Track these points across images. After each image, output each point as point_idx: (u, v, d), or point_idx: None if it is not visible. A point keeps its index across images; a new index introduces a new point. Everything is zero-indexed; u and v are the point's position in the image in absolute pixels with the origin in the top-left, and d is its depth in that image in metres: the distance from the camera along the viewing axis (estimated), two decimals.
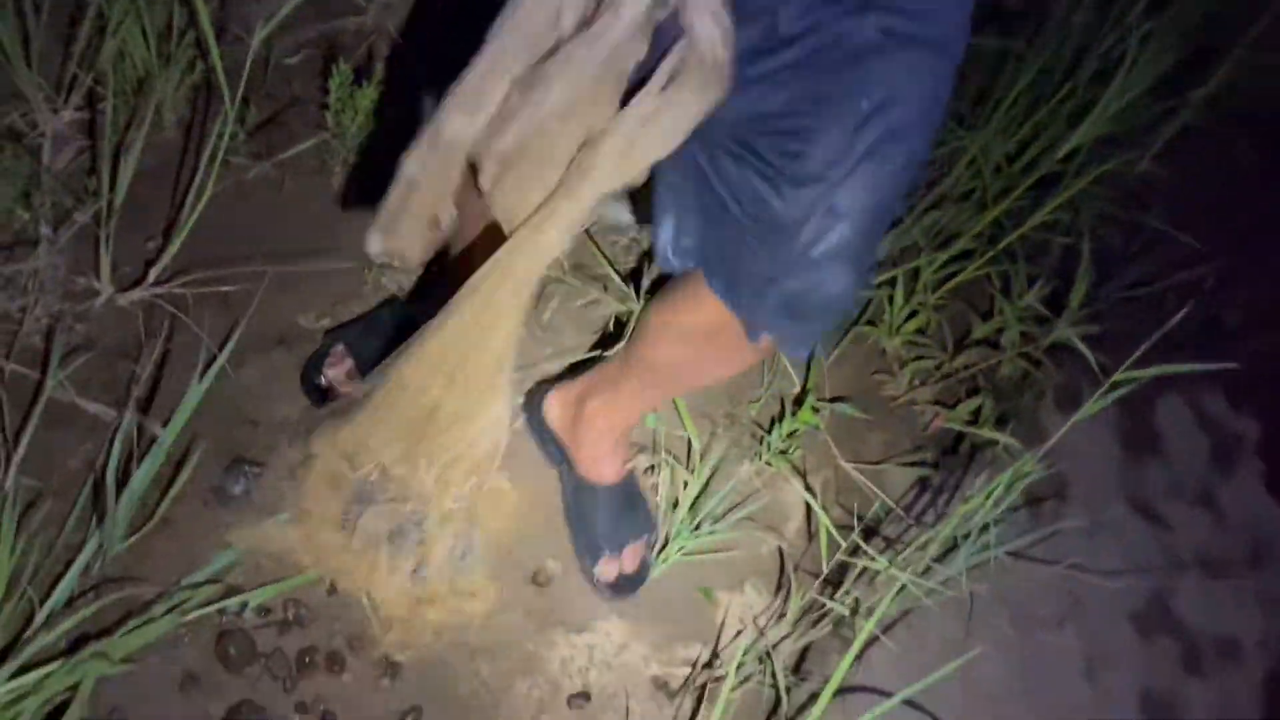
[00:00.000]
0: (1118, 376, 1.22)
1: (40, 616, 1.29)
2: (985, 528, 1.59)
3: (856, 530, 1.50)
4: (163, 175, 1.82)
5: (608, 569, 1.64)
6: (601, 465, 1.63)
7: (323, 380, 1.65)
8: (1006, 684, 1.82)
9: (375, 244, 1.15)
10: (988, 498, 1.40)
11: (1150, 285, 2.32)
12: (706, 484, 1.75)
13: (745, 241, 1.12)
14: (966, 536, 1.57)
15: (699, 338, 1.31)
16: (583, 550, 1.66)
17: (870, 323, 2.13)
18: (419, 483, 1.46)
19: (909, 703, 1.60)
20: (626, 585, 1.65)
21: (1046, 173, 2.08)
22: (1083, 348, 1.33)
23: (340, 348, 1.67)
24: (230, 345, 1.45)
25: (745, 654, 1.59)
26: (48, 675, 1.24)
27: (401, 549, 1.51)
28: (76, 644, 1.32)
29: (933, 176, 2.19)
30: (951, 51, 1.05)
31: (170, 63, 1.76)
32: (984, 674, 1.81)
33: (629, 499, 1.68)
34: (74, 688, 1.24)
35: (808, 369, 2.01)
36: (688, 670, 1.62)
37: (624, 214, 2.09)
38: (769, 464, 1.84)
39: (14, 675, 1.23)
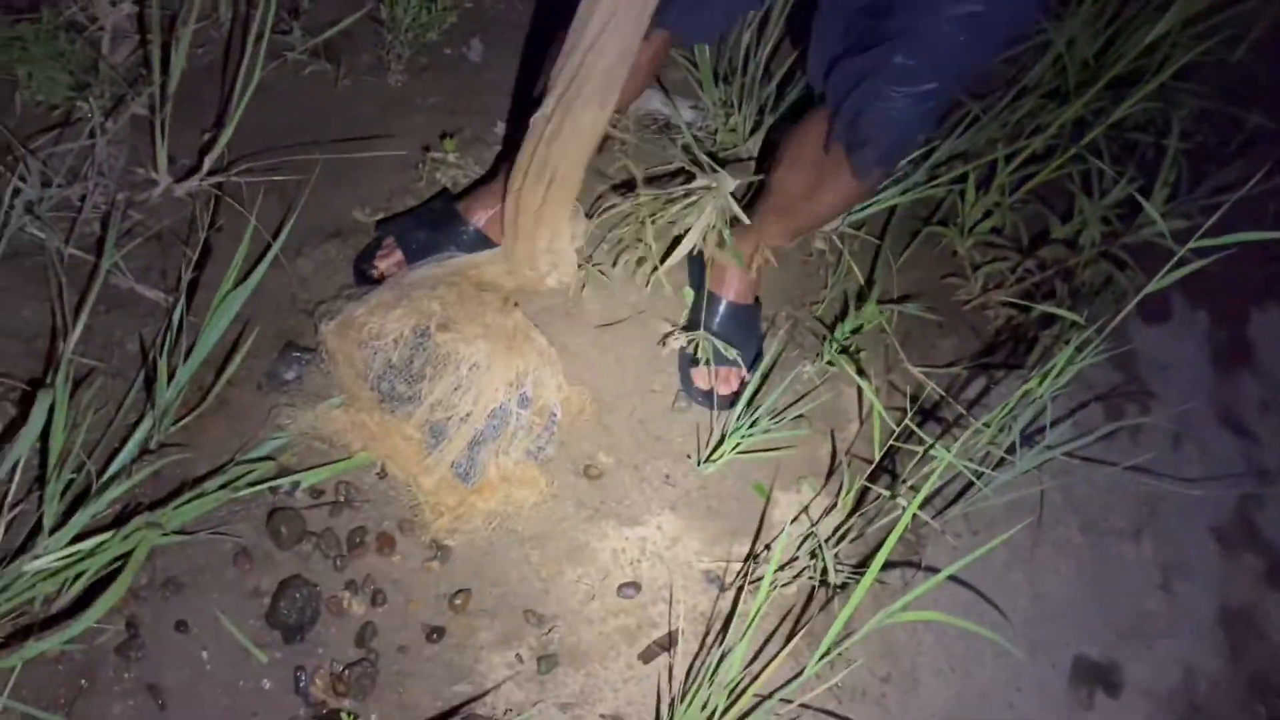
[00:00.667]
0: (1192, 245, 1.13)
1: (97, 485, 1.31)
2: (1052, 425, 1.52)
3: (910, 414, 1.44)
4: (216, 69, 1.82)
5: (703, 376, 1.70)
6: (732, 281, 1.71)
7: (374, 271, 1.64)
8: (1076, 592, 1.75)
9: None
10: (1044, 378, 1.32)
11: (1248, 185, 2.18)
12: (764, 380, 1.70)
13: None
14: (1029, 435, 1.50)
15: (812, 159, 1.48)
16: (687, 356, 1.74)
17: (942, 223, 2.04)
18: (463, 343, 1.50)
19: (974, 596, 1.57)
20: (717, 400, 1.69)
21: (1133, 67, 1.96)
22: (1163, 227, 1.23)
23: (391, 239, 1.66)
24: (284, 235, 1.45)
25: (799, 545, 1.56)
26: (103, 542, 1.26)
27: (442, 438, 1.51)
28: (132, 513, 1.35)
29: (1012, 73, 2.08)
30: None
31: None
32: (1053, 581, 1.75)
33: (748, 323, 1.74)
34: (128, 555, 1.27)
35: (873, 269, 1.94)
36: (740, 565, 1.59)
37: (687, 110, 2.03)
38: (830, 363, 1.79)
39: (72, 541, 1.26)
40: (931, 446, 1.36)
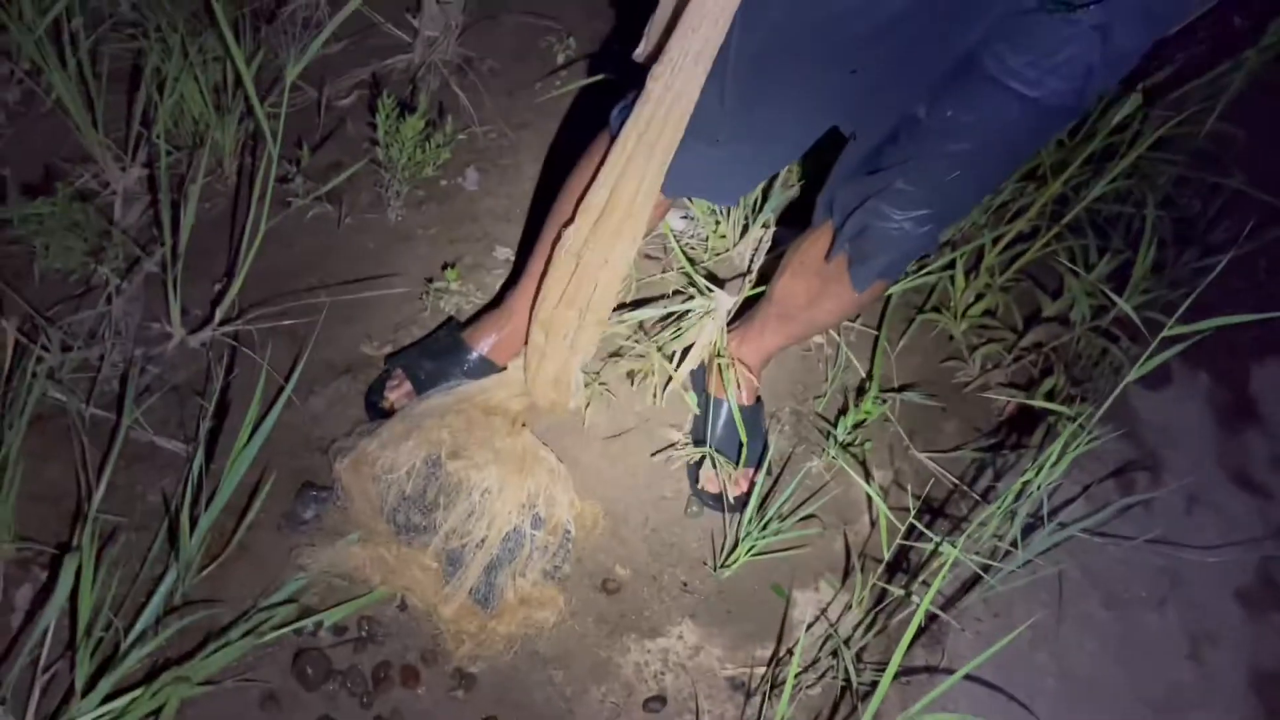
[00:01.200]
0: (1166, 333, 1.17)
1: (126, 644, 1.34)
2: (1068, 503, 1.53)
3: (912, 512, 1.46)
4: (225, 221, 1.90)
5: (713, 480, 1.73)
6: (737, 388, 1.74)
7: (385, 403, 1.69)
8: (1104, 668, 1.74)
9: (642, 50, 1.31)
10: (1043, 466, 1.35)
11: (1234, 248, 2.22)
12: (774, 480, 1.73)
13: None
14: (1047, 516, 1.52)
15: (814, 269, 1.53)
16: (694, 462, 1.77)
17: (935, 309, 2.08)
18: (475, 472, 1.54)
19: (999, 681, 1.57)
20: (728, 504, 1.73)
21: (1107, 144, 2.02)
22: (1134, 315, 1.28)
23: (400, 371, 1.71)
24: (295, 377, 1.50)
25: (821, 647, 1.57)
26: (134, 699, 1.29)
27: (459, 565, 1.54)
28: (160, 668, 1.38)
29: None
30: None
31: (225, 114, 1.84)
32: (1079, 659, 1.75)
33: (753, 424, 1.76)
34: (158, 711, 1.29)
35: (872, 360, 1.98)
36: (763, 669, 1.59)
37: (677, 220, 2.10)
38: (835, 458, 1.81)
39: (104, 700, 1.28)
40: (939, 544, 1.37)
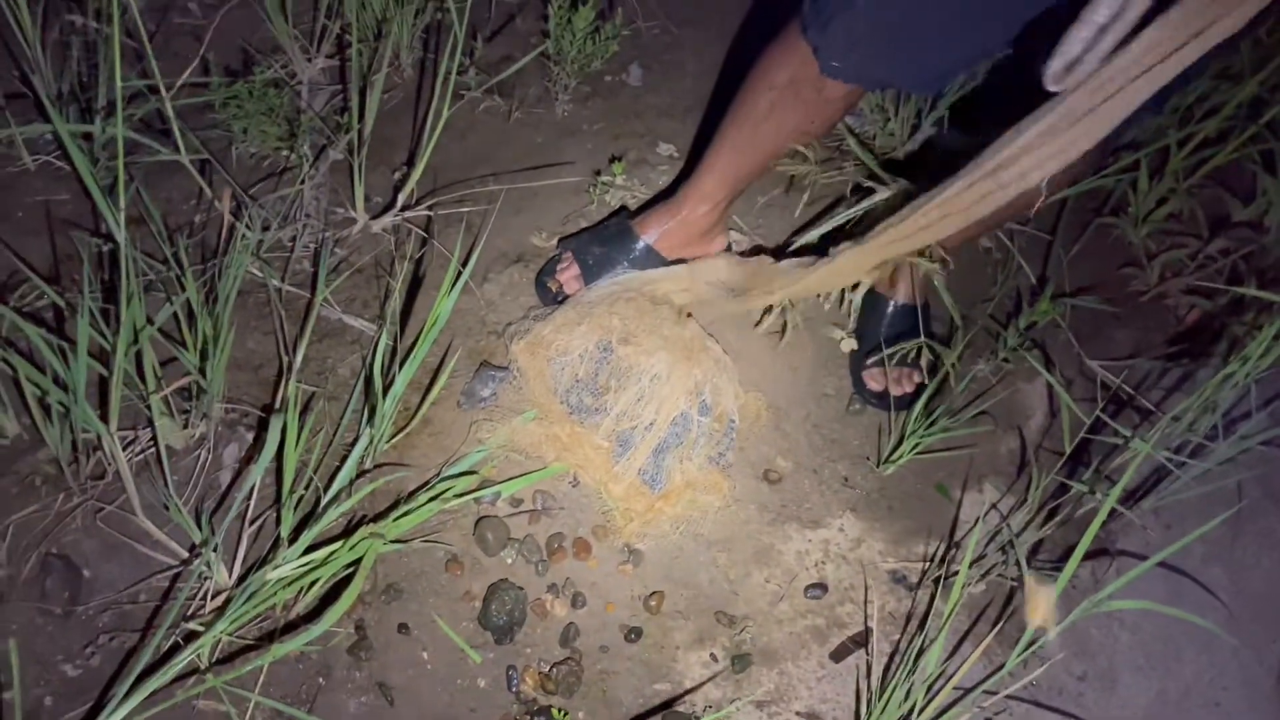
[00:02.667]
0: None
1: (325, 500, 1.43)
2: (1248, 415, 1.47)
3: (1100, 406, 1.42)
4: (404, 111, 1.96)
5: (875, 378, 1.74)
6: (901, 283, 1.74)
7: (553, 283, 1.73)
8: (1279, 586, 1.69)
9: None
10: (1245, 362, 1.29)
11: None
12: (942, 381, 1.71)
13: None
14: (1228, 424, 1.46)
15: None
16: (858, 359, 1.78)
17: (1114, 213, 2.00)
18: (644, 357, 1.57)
19: (1172, 585, 1.53)
20: (893, 402, 1.72)
21: None
22: None
23: (569, 254, 1.75)
24: (472, 264, 1.55)
25: (988, 543, 1.56)
26: (334, 552, 1.38)
27: (628, 446, 1.58)
28: (354, 526, 1.47)
29: None
30: None
31: (404, 5, 1.88)
32: (1254, 576, 1.69)
33: (918, 324, 1.74)
34: (354, 564, 1.38)
35: (1045, 265, 1.92)
36: (925, 564, 1.60)
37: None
38: (1005, 361, 1.78)
39: (306, 551, 1.38)
40: (1131, 439, 1.34)
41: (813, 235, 1.72)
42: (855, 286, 1.84)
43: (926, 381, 1.69)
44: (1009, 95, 1.50)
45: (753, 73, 1.51)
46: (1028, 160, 1.20)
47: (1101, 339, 1.91)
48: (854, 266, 1.52)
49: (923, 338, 1.71)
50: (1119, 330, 1.93)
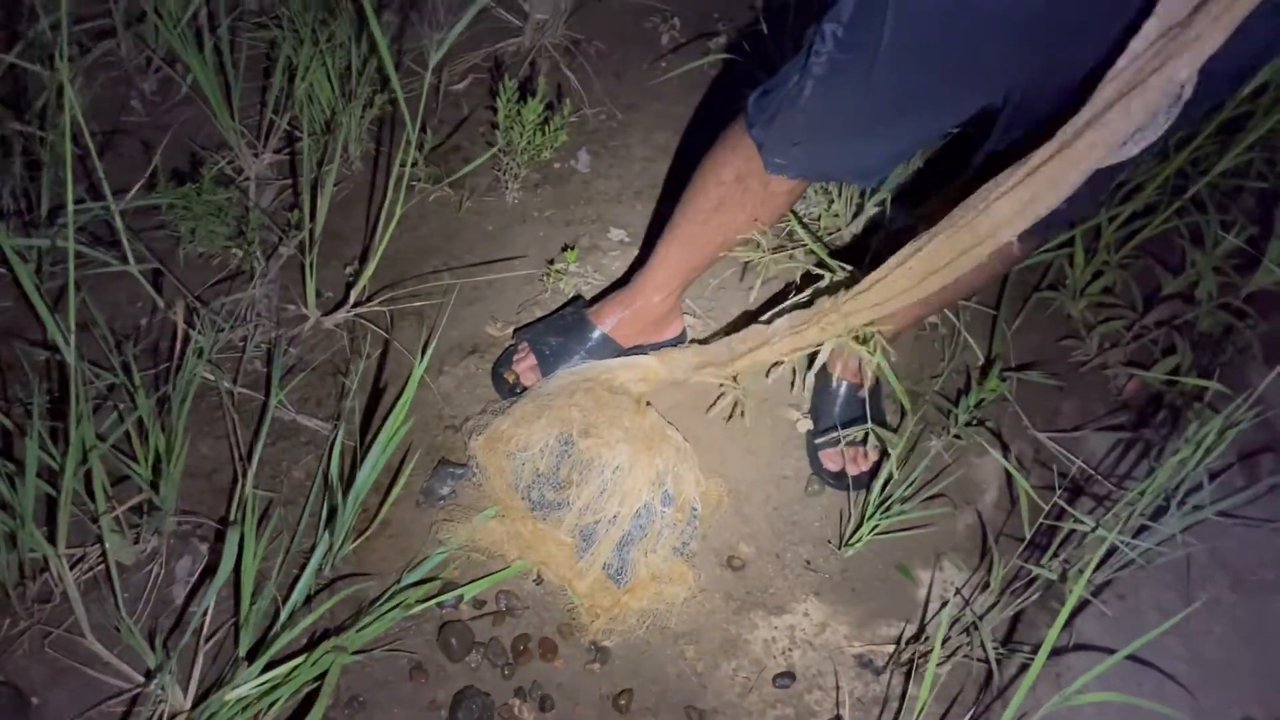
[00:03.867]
0: None
1: (284, 614, 1.39)
2: (1198, 487, 1.51)
3: (1058, 492, 1.46)
4: (354, 204, 1.95)
5: (833, 458, 1.75)
6: (853, 364, 1.77)
7: (509, 375, 1.73)
8: (1233, 652, 1.72)
9: None
10: (1198, 447, 1.33)
11: None
12: (904, 461, 1.74)
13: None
14: (1178, 498, 1.50)
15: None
16: (814, 435, 1.80)
17: (1052, 287, 2.06)
18: (608, 449, 1.57)
19: (1130, 664, 1.55)
20: (850, 482, 1.75)
21: (1233, 114, 1.97)
22: None
23: (525, 345, 1.75)
24: (427, 357, 1.54)
25: (950, 626, 1.57)
26: (295, 668, 1.34)
27: (592, 541, 1.57)
28: (315, 638, 1.43)
29: None
30: None
31: (352, 100, 1.88)
32: (1208, 643, 1.73)
33: (873, 406, 1.77)
34: (317, 678, 1.35)
35: (990, 340, 1.97)
36: (891, 648, 1.60)
37: None
38: (957, 437, 1.81)
39: (266, 668, 1.34)
40: (1095, 528, 1.37)
41: (766, 319, 1.75)
42: (810, 365, 1.88)
43: (881, 460, 1.72)
44: (948, 173, 1.55)
45: (700, 168, 1.54)
46: (1001, 210, 1.24)
47: (1047, 410, 1.95)
48: (835, 325, 1.54)
49: (869, 423, 1.73)
50: (1064, 401, 1.98)
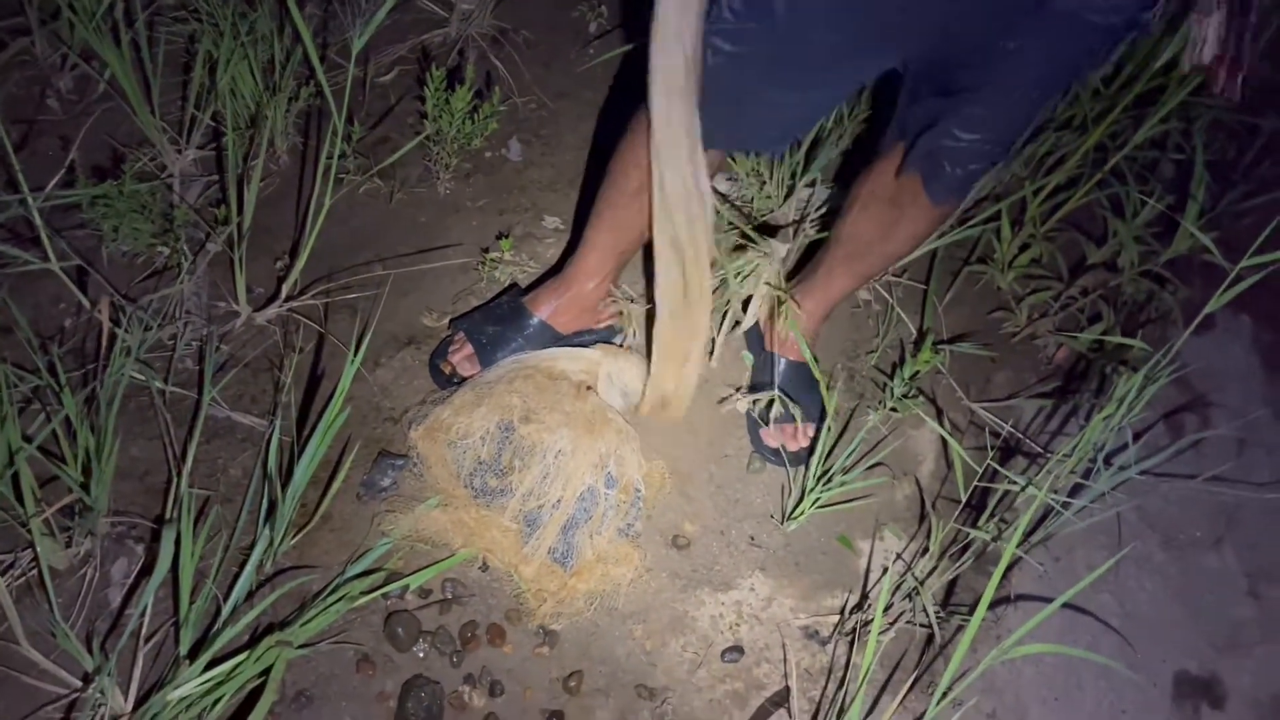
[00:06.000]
0: (1244, 264, 1.19)
1: (225, 611, 1.37)
2: (1124, 446, 1.56)
3: (991, 455, 1.49)
4: (283, 198, 1.93)
5: (772, 435, 1.76)
6: (790, 341, 1.79)
7: (446, 366, 1.72)
8: (1166, 609, 1.78)
9: None
10: (1120, 403, 1.37)
11: (1272, 191, 2.24)
12: (839, 436, 1.76)
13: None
14: (1104, 455, 1.54)
15: (886, 196, 1.55)
16: (754, 418, 1.80)
17: (981, 260, 2.10)
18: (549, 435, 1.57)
19: (1067, 621, 1.59)
20: (789, 457, 1.76)
21: (1147, 88, 2.03)
22: (1209, 244, 1.29)
23: (462, 335, 1.74)
24: (363, 350, 1.53)
25: (892, 593, 1.60)
26: (239, 664, 1.32)
27: (537, 526, 1.57)
28: (258, 635, 1.41)
29: None
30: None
31: (277, 93, 1.86)
32: (1141, 600, 1.78)
33: (809, 379, 1.79)
34: (261, 674, 1.33)
35: (922, 314, 2.00)
36: (836, 618, 1.63)
37: (723, 182, 2.12)
38: (894, 410, 1.84)
39: (208, 666, 1.32)
40: (1026, 487, 1.40)
41: None
42: (747, 345, 1.90)
43: (818, 434, 1.74)
44: (874, 153, 1.59)
45: (617, 153, 1.54)
46: None
47: (980, 381, 2.00)
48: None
49: (808, 397, 1.76)
50: (996, 372, 2.02)
